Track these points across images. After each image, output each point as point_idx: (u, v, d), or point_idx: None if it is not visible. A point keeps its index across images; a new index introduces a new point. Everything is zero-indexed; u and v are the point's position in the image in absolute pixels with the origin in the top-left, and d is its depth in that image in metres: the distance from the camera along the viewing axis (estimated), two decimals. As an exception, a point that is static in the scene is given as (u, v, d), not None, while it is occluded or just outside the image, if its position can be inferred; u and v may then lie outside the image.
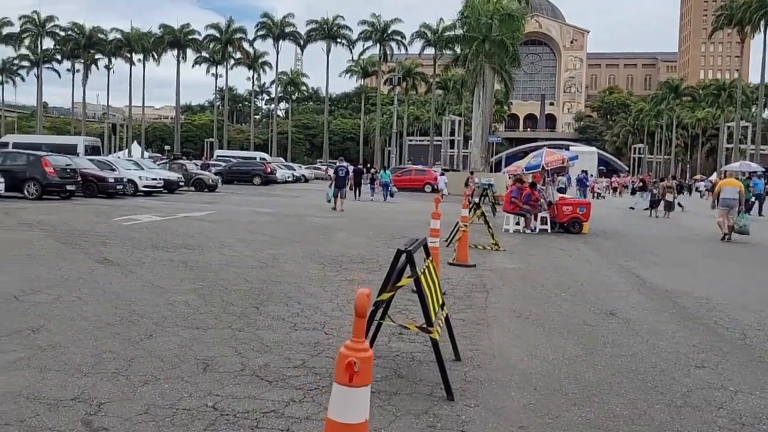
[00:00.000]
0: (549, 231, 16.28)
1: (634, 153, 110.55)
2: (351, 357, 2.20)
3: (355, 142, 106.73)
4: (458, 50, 50.72)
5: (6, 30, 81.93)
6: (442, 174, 38.14)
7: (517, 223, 16.27)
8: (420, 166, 51.11)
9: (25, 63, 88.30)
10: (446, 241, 13.13)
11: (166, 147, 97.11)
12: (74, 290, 7.07)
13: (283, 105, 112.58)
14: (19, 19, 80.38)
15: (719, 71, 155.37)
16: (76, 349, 5.00)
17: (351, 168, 30.59)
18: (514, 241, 14.36)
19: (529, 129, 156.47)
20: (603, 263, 11.50)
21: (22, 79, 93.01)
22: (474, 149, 42.14)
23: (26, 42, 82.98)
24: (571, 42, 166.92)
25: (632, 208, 28.96)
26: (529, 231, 16.01)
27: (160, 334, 5.54)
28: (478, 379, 4.76)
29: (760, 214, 27.43)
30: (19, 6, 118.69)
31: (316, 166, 68.69)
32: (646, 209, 25.84)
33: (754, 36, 68.28)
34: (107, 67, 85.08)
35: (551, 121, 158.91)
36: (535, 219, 16.34)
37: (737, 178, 20.76)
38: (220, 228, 14.29)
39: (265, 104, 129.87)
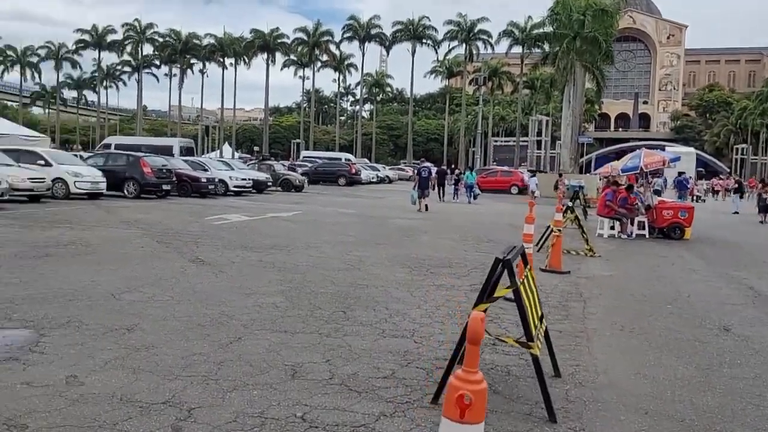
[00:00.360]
0: (647, 236, 15.40)
1: (737, 154, 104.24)
2: (463, 389, 1.93)
3: (439, 142, 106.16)
4: (547, 48, 49.32)
5: (110, 38, 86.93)
6: (533, 175, 36.90)
7: (612, 228, 15.49)
8: (506, 168, 50.10)
9: (127, 68, 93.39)
10: (536, 245, 12.65)
11: (255, 148, 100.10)
12: (167, 289, 7.19)
13: (367, 106, 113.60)
14: (122, 26, 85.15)
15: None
16: (167, 350, 5.01)
17: (434, 169, 30.36)
18: (609, 246, 13.65)
19: (621, 129, 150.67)
20: (710, 273, 10.70)
21: (124, 83, 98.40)
22: (563, 150, 40.84)
23: (128, 48, 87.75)
24: (668, 38, 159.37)
25: (736, 213, 27.13)
26: (625, 236, 15.20)
27: (249, 337, 5.49)
28: (581, 399, 4.40)
29: None
30: (117, 15, 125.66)
31: (399, 167, 68.73)
32: (736, 213, 24.23)
33: None
34: (201, 71, 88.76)
35: (645, 120, 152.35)
36: (632, 223, 15.50)
37: None
38: (306, 229, 14.38)
39: (350, 105, 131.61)
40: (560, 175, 32.42)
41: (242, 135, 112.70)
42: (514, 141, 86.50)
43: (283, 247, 11.10)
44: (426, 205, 22.25)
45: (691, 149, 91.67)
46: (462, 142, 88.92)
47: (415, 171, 25.44)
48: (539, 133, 75.55)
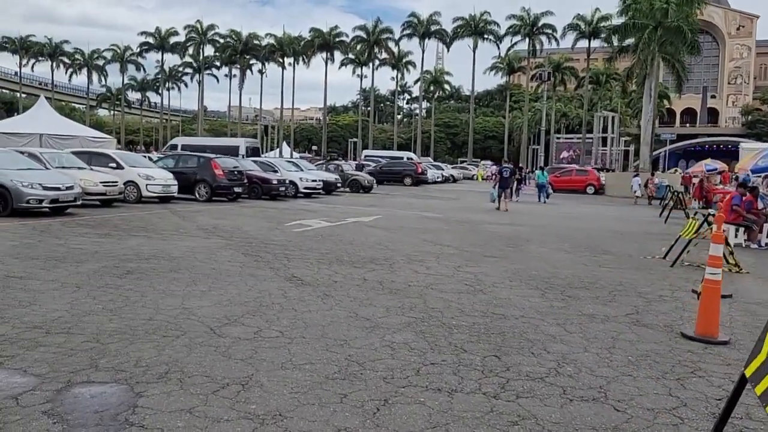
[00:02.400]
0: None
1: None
2: None
3: (497, 140, 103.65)
4: (615, 42, 46.55)
5: (173, 40, 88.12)
6: (636, 175, 34.28)
7: (736, 236, 13.65)
8: (579, 166, 47.88)
9: (189, 70, 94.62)
10: (664, 257, 11.04)
11: (313, 147, 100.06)
12: (273, 321, 6.00)
13: (424, 104, 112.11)
14: (184, 28, 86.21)
15: None
16: (301, 422, 3.77)
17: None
18: (745, 259, 11.86)
19: (687, 124, 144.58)
20: None
21: (186, 85, 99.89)
22: (643, 147, 38.42)
23: (190, 50, 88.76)
24: (738, 29, 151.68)
25: None
26: (756, 246, 13.37)
27: (397, 398, 4.20)
28: None
29: None
30: (177, 20, 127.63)
31: (463, 165, 66.91)
32: None
33: None
34: (260, 71, 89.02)
35: (713, 115, 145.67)
36: (760, 231, 13.65)
37: None
38: (396, 237, 13.12)
39: (406, 104, 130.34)
40: (652, 174, 30.29)
41: (299, 134, 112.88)
42: (578, 138, 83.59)
43: (383, 261, 9.84)
44: (506, 204, 22.73)
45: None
46: (524, 140, 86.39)
47: (497, 170, 25.58)
48: (604, 130, 72.78)
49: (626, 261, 10.89)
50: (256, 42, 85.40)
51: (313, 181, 25.31)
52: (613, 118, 72.76)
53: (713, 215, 10.42)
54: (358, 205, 21.98)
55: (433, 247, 11.78)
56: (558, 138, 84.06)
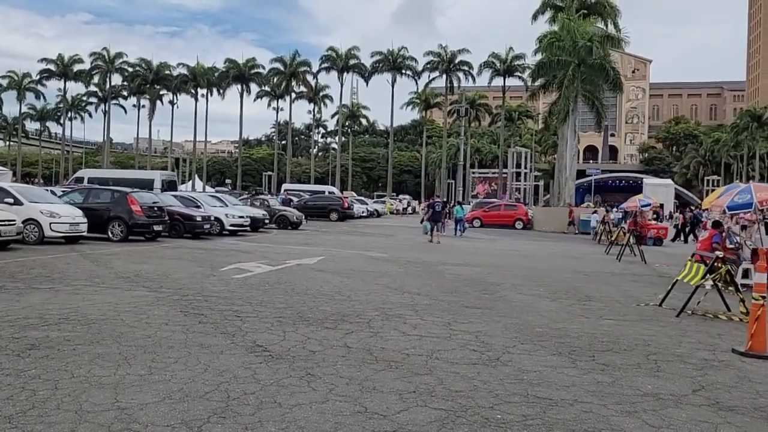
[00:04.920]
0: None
1: (708, 185, 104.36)
2: None
3: (413, 174, 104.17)
4: (537, 79, 47.24)
5: (77, 67, 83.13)
6: (595, 212, 34.01)
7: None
8: (508, 201, 47.90)
9: (93, 99, 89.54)
10: (660, 304, 9.98)
11: (227, 180, 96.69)
12: (254, 427, 4.22)
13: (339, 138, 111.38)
14: (90, 56, 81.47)
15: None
16: None
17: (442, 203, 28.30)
18: (729, 301, 11.00)
19: (591, 161, 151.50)
20: None
21: (90, 115, 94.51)
22: (569, 182, 38.68)
23: (95, 79, 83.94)
24: (633, 72, 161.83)
25: None
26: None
27: None
28: None
29: None
30: (80, 49, 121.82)
31: (384, 200, 65.88)
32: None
33: None
34: (172, 103, 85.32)
35: (613, 152, 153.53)
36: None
37: None
38: (353, 283, 11.46)
39: (322, 137, 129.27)
40: (606, 210, 30.15)
41: (212, 167, 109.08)
42: (493, 172, 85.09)
43: (355, 317, 8.17)
44: (438, 237, 24.08)
45: (669, 181, 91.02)
46: (441, 175, 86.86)
47: (428, 205, 27.03)
48: (517, 165, 74.27)
49: (620, 309, 9.72)
50: (167, 72, 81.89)
51: (240, 217, 23.21)
52: (526, 153, 74.48)
53: (721, 258, 9.48)
54: (292, 244, 20.12)
55: (402, 296, 10.21)
56: (473, 173, 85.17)
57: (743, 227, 14.94)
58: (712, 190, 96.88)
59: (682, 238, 32.29)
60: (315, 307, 8.77)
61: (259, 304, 8.83)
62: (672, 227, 35.85)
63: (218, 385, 5.08)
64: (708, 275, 9.15)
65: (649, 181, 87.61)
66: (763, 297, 6.88)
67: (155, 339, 6.57)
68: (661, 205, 62.06)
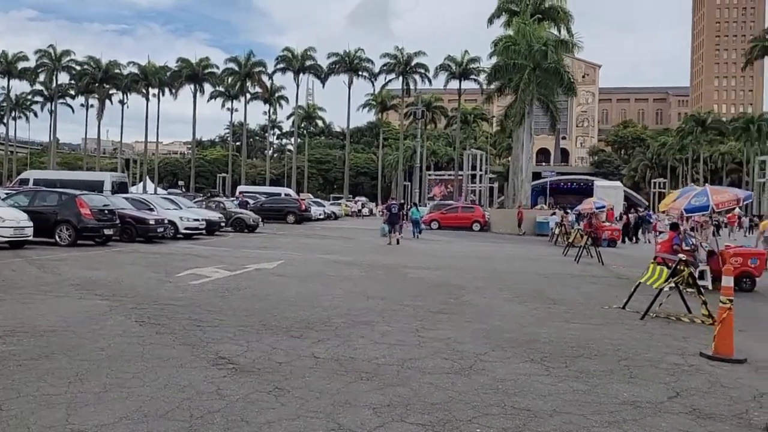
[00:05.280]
0: (710, 288, 13.07)
1: (655, 188, 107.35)
2: None
3: (369, 176, 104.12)
4: (493, 82, 47.61)
5: (21, 65, 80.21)
6: (553, 213, 34.35)
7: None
8: (465, 202, 48.14)
9: (39, 98, 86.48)
10: (623, 306, 10.01)
11: (180, 182, 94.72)
12: (223, 448, 3.94)
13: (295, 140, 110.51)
14: (35, 53, 78.68)
15: (732, 105, 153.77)
16: None
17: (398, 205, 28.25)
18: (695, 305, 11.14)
19: (543, 163, 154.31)
20: None
21: (35, 114, 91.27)
22: (525, 184, 39.08)
23: (41, 77, 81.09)
24: (583, 76, 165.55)
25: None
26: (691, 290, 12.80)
27: None
28: None
29: None
30: (24, 47, 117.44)
31: (341, 202, 65.43)
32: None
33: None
34: (122, 102, 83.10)
35: (564, 155, 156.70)
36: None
37: None
38: (316, 288, 11.17)
39: (277, 139, 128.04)
40: (566, 211, 30.39)
41: (164, 169, 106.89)
42: (449, 174, 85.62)
43: (321, 324, 7.91)
44: (396, 238, 24.02)
45: (619, 183, 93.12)
46: (398, 177, 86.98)
47: (385, 207, 27.44)
48: (473, 167, 74.94)
49: (585, 312, 9.71)
50: (117, 71, 79.66)
51: (195, 220, 22.57)
52: (481, 156, 75.22)
53: (683, 261, 9.56)
54: (249, 248, 19.67)
55: (367, 301, 9.98)
56: (430, 175, 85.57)
57: (692, 228, 15.21)
58: (659, 193, 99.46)
59: (628, 239, 33.04)
60: (278, 314, 8.47)
61: (219, 312, 8.48)
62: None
63: (180, 403, 4.76)
64: (671, 278, 9.20)
65: (599, 183, 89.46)
66: (731, 300, 6.90)
67: (110, 352, 6.19)
68: (612, 207, 63.50)
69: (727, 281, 7.03)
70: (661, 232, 39.36)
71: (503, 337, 7.60)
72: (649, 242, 33.49)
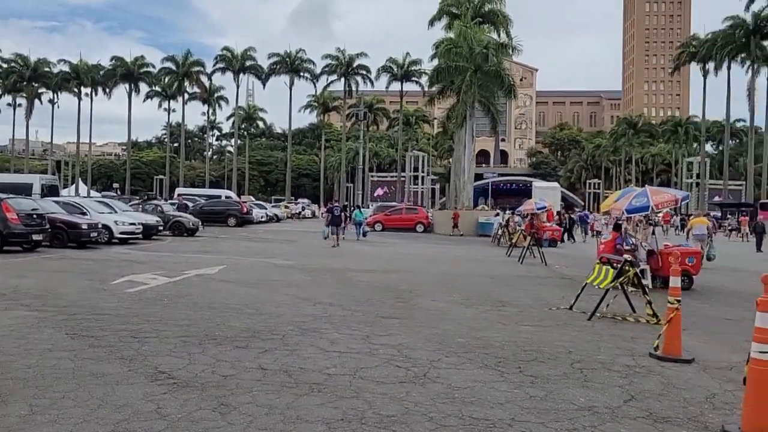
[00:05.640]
0: (650, 286, 13.37)
1: (589, 188, 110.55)
2: None
3: (311, 178, 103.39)
4: (435, 83, 47.83)
5: (-60, 61, 75.97)
6: (497, 214, 34.66)
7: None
8: (409, 204, 48.24)
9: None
10: (571, 307, 10.07)
11: (114, 185, 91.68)
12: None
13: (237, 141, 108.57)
14: (-44, 48, 74.47)
15: (662, 109, 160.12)
16: None
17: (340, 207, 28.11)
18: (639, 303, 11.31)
19: (483, 165, 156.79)
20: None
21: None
22: (468, 185, 39.43)
23: (-37, 74, 76.99)
24: (521, 80, 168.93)
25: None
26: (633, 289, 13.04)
27: None
28: None
29: None
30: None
31: (284, 204, 64.56)
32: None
33: (717, 73, 68.52)
34: (52, 102, 79.81)
35: (504, 157, 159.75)
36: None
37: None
38: (261, 294, 10.81)
39: (216, 140, 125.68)
40: (513, 213, 30.65)
41: (97, 171, 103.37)
42: (392, 176, 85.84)
43: (268, 333, 7.59)
44: (338, 240, 24.07)
45: (556, 184, 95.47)
46: (341, 178, 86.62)
47: (327, 210, 27.51)
48: (415, 169, 75.39)
49: (535, 314, 9.71)
50: (47, 69, 76.43)
51: (131, 224, 21.69)
52: (423, 157, 75.74)
53: (629, 262, 9.67)
54: (189, 252, 19.02)
55: (314, 307, 9.70)
56: (372, 176, 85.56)
57: (635, 226, 15.53)
58: (594, 193, 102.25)
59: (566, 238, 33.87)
60: (222, 323, 8.10)
61: (158, 322, 8.05)
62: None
63: (117, 425, 4.39)
64: (617, 279, 9.29)
65: (537, 184, 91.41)
66: (678, 300, 6.96)
67: (38, 369, 5.72)
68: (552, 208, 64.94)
69: (675, 282, 7.08)
70: (598, 232, 40.54)
71: (456, 342, 7.46)
72: (585, 242, 34.35)
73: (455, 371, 6.13)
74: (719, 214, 62.92)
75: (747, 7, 56.72)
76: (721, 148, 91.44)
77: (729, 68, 65.51)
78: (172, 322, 8.10)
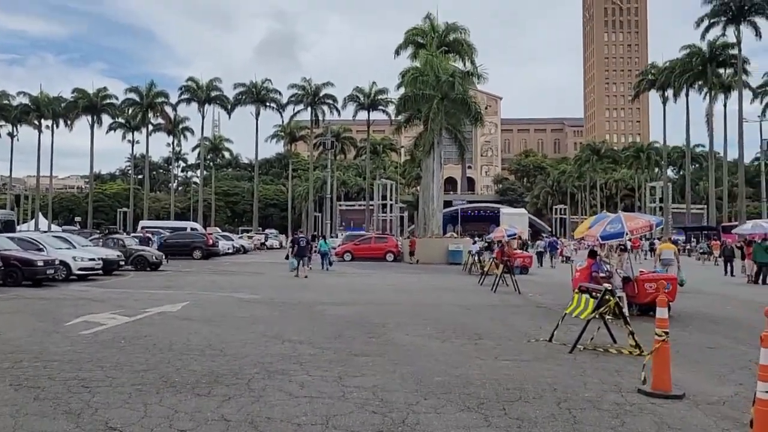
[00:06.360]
0: (627, 314, 13.11)
1: (556, 214, 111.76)
2: None
3: (279, 208, 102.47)
4: (401, 112, 47.91)
5: None
6: (475, 242, 34.46)
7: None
8: (378, 232, 47.88)
9: None
10: (550, 339, 9.72)
11: (76, 219, 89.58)
12: None
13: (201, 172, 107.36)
14: None
15: (623, 135, 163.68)
16: None
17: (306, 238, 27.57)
18: (621, 334, 11.01)
19: (451, 192, 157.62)
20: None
21: None
22: (437, 213, 39.25)
23: None
24: (486, 108, 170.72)
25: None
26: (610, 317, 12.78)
27: None
28: None
29: None
30: None
31: (250, 235, 63.59)
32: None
33: (676, 100, 70.30)
34: (11, 135, 77.88)
35: (471, 183, 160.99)
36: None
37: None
38: (225, 333, 10.23)
39: (182, 171, 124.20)
40: (486, 241, 30.41)
41: (59, 204, 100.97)
42: (360, 205, 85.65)
43: (232, 377, 7.04)
44: (305, 271, 24.05)
45: (524, 210, 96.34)
46: (309, 207, 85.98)
47: (292, 241, 26.54)
48: (383, 197, 75.27)
49: (513, 348, 9.32)
50: (5, 101, 74.74)
51: (91, 260, 20.84)
52: (391, 185, 75.74)
53: (610, 291, 9.38)
54: (152, 288, 18.26)
55: (282, 345, 9.17)
56: (341, 205, 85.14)
57: (606, 255, 15.35)
58: (561, 218, 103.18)
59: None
60: (183, 367, 7.53)
61: (113, 368, 7.45)
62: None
63: (56, 496, 3.84)
64: (597, 309, 8.98)
65: (505, 210, 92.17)
66: (666, 333, 6.65)
67: (-29, 429, 5.11)
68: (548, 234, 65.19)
69: (661, 312, 6.78)
70: (568, 258, 40.63)
71: (434, 381, 7.02)
72: (554, 267, 34.34)
73: (435, 416, 5.68)
74: (683, 237, 64.09)
75: (702, 36, 58.40)
76: (682, 172, 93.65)
77: (687, 95, 67.41)
78: (128, 367, 7.50)
